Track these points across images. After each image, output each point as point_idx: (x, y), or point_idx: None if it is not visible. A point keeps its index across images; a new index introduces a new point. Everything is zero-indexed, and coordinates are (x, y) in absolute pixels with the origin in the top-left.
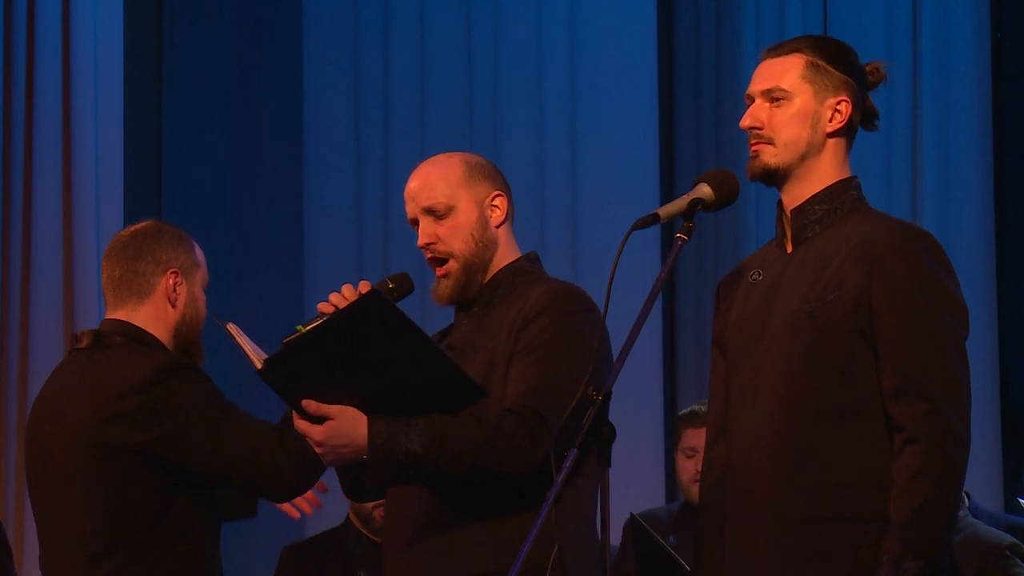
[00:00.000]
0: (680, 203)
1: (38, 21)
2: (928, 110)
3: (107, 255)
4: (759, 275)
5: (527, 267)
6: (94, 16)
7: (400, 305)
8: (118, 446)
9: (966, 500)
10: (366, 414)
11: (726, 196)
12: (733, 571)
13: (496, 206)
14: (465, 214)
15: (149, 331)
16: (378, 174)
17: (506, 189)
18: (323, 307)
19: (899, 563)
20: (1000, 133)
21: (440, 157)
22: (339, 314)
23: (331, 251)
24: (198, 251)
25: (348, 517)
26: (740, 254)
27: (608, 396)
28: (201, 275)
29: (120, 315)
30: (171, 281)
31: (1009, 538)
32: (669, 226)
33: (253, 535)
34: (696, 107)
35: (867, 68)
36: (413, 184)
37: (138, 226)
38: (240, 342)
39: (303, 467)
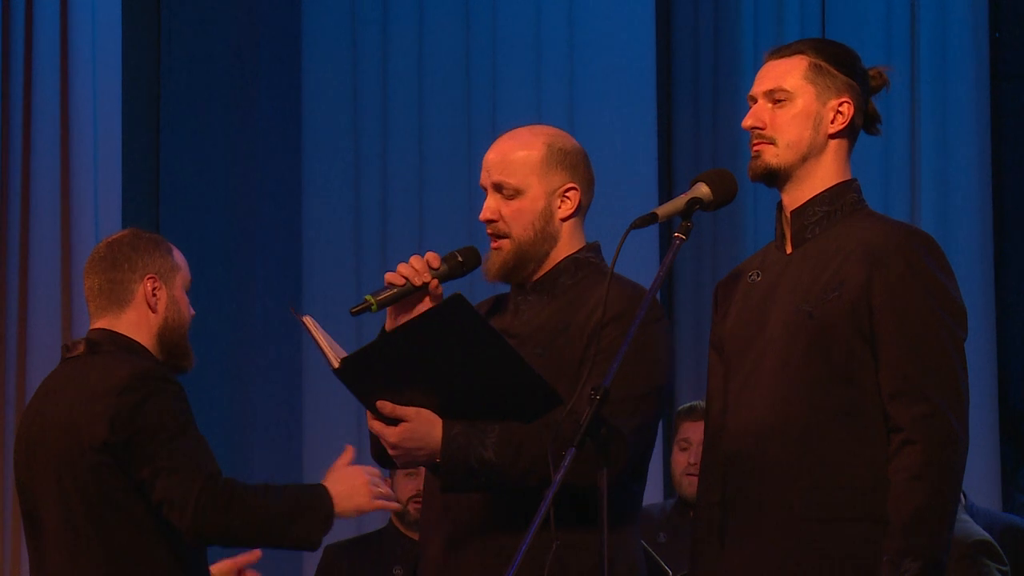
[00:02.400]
0: (678, 202)
1: (36, 23)
2: (926, 110)
3: (87, 267)
4: (758, 276)
5: (590, 259)
6: (93, 17)
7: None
8: (89, 446)
9: (963, 499)
10: (440, 416)
11: (724, 196)
12: (731, 573)
13: (567, 198)
14: (531, 201)
15: (133, 337)
16: (376, 173)
17: (582, 182)
18: (391, 277)
19: (899, 564)
20: (998, 134)
21: (525, 134)
22: (421, 317)
23: (329, 250)
24: (176, 254)
25: (391, 519)
26: (738, 253)
27: (607, 396)
28: (181, 278)
29: (103, 323)
30: (149, 286)
31: (976, 537)
32: (667, 225)
33: None
34: (695, 107)
35: (870, 72)
36: (491, 155)
37: (114, 236)
38: (316, 337)
39: (220, 515)
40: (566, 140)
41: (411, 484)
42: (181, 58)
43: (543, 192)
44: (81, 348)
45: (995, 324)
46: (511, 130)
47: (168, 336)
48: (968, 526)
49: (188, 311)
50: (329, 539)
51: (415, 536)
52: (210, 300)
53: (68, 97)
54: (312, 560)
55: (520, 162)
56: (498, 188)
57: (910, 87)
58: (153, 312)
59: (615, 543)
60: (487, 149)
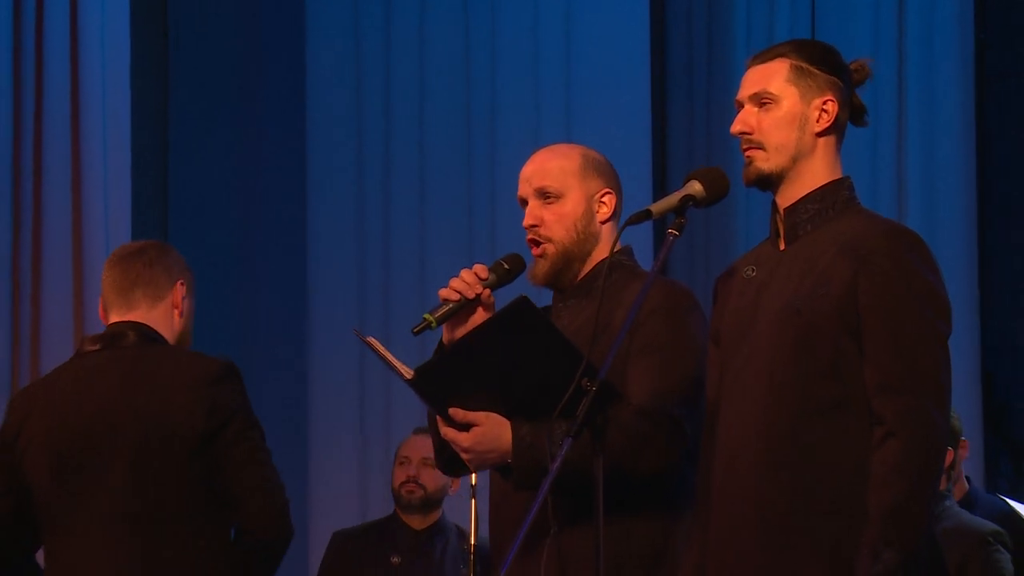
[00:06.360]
0: (672, 199)
1: (46, 26)
2: (913, 109)
3: (115, 262)
4: (753, 271)
5: (624, 261)
6: (102, 19)
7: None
8: (181, 435)
9: (966, 485)
10: (508, 418)
11: (716, 193)
12: (718, 561)
13: (604, 203)
14: (572, 204)
15: (161, 332)
16: (379, 172)
17: (617, 188)
18: (445, 293)
19: (878, 554)
20: (983, 133)
21: (561, 146)
22: (491, 321)
23: (333, 248)
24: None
25: (395, 510)
26: (730, 249)
27: (602, 386)
28: (194, 296)
29: (133, 316)
30: (180, 291)
31: (991, 526)
32: (661, 222)
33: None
34: (689, 107)
35: (852, 66)
36: (529, 167)
37: (147, 241)
38: (384, 354)
39: (289, 527)
40: (597, 153)
41: (402, 472)
42: (187, 60)
43: (583, 196)
44: (104, 341)
45: (979, 321)
46: (543, 147)
47: (181, 341)
48: (975, 518)
49: (192, 325)
50: (336, 526)
51: (414, 521)
52: (217, 298)
53: (79, 99)
54: (319, 548)
55: (559, 169)
56: (541, 194)
57: (897, 86)
58: (180, 315)
59: (672, 529)
60: (484, 148)
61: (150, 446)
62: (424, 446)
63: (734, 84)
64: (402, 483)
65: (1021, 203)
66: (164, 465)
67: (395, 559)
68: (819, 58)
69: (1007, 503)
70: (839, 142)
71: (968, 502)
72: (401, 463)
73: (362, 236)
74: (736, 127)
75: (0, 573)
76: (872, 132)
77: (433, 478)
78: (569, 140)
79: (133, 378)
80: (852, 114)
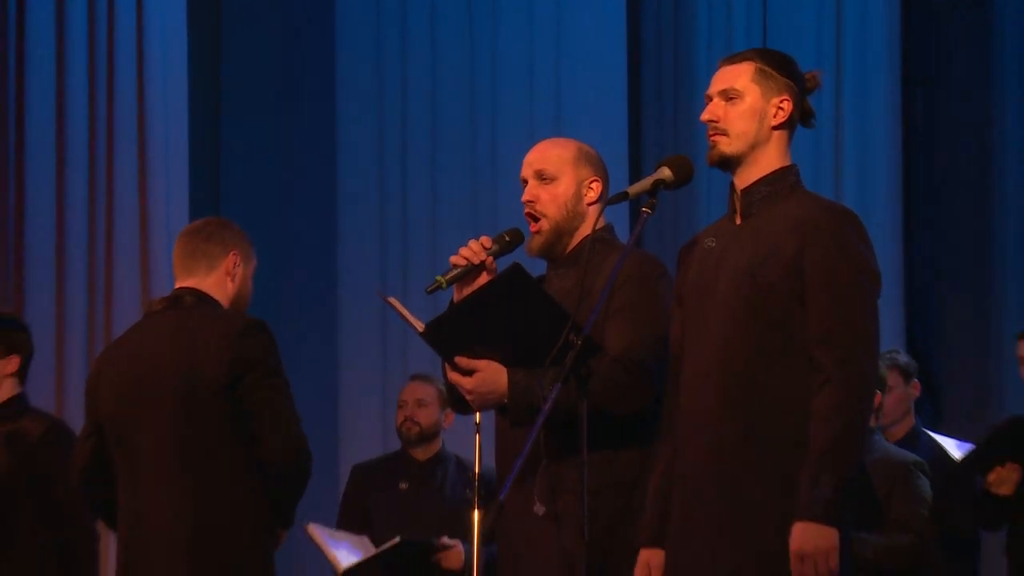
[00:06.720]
0: (645, 183)
1: (116, 37)
2: (848, 108)
3: (181, 236)
4: (713, 242)
5: (605, 236)
6: (162, 31)
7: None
8: (208, 384)
9: (913, 419)
10: (505, 366)
11: (683, 177)
12: (682, 486)
13: (592, 188)
14: (565, 186)
15: (215, 297)
16: (397, 160)
17: (604, 177)
18: (455, 259)
19: (817, 480)
20: (908, 129)
21: (560, 139)
22: (489, 284)
23: (360, 221)
24: (252, 248)
25: (402, 445)
26: (694, 224)
27: (586, 341)
28: (253, 264)
29: (191, 283)
30: (232, 261)
31: (913, 457)
32: (636, 202)
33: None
34: (659, 105)
35: (806, 76)
36: (532, 153)
37: (209, 218)
38: (401, 311)
39: (308, 471)
40: (589, 147)
41: (400, 413)
42: (238, 65)
43: (574, 181)
44: (166, 303)
45: (903, 287)
46: (546, 139)
47: (237, 304)
48: (900, 450)
49: (251, 290)
50: (356, 459)
51: (418, 454)
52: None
53: (144, 98)
54: (342, 483)
55: (557, 156)
56: (539, 176)
57: (835, 88)
58: (232, 281)
59: (646, 460)
60: (487, 138)
61: (187, 392)
62: (419, 390)
63: (697, 86)
64: (401, 422)
65: (940, 188)
66: (200, 409)
67: (403, 485)
68: (779, 65)
69: (932, 437)
70: (790, 136)
71: (913, 435)
72: (400, 406)
73: (383, 212)
74: (705, 116)
75: (99, 512)
76: (815, 127)
77: (426, 416)
78: (558, 130)
79: (179, 334)
80: (802, 116)
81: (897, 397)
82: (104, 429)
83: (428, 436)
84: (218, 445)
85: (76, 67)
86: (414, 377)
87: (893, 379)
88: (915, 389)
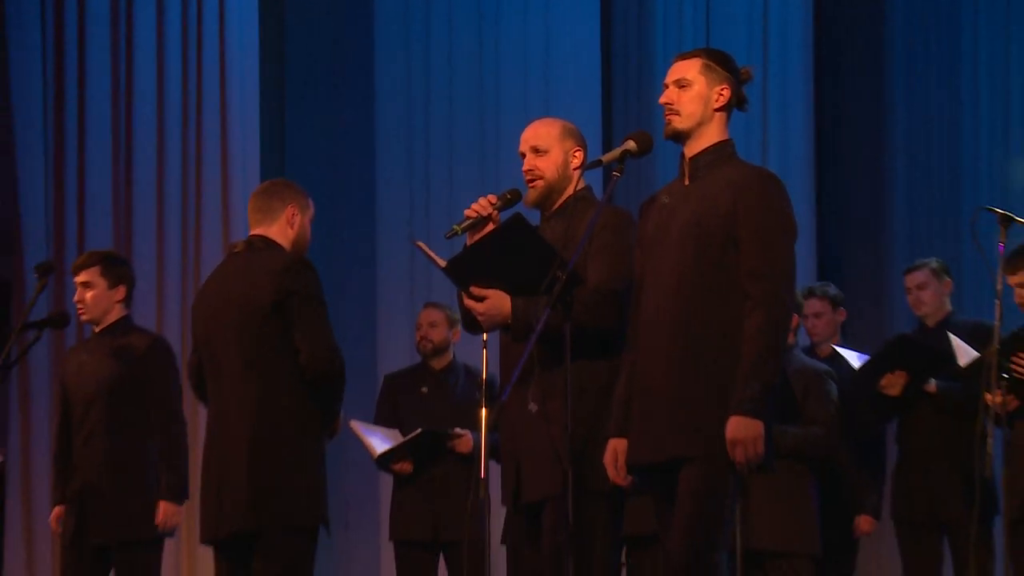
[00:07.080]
0: (615, 153)
1: (204, 29)
2: (773, 93)
3: (254, 194)
4: (667, 199)
5: (586, 195)
6: (239, 29)
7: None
8: (260, 309)
9: (839, 339)
10: (509, 295)
11: (645, 148)
12: (640, 393)
13: (575, 157)
14: (555, 156)
15: (278, 242)
16: (422, 135)
17: (584, 147)
18: (468, 212)
19: (747, 385)
20: (820, 108)
21: (548, 119)
22: (495, 230)
23: (393, 181)
24: (310, 200)
25: (422, 358)
26: (652, 185)
27: (570, 275)
28: (310, 213)
29: (259, 231)
30: (291, 211)
31: (823, 367)
32: (608, 167)
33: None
34: (625, 91)
35: (741, 70)
36: (528, 131)
37: (276, 179)
38: (427, 252)
39: (341, 375)
40: (571, 123)
41: (418, 334)
42: (298, 52)
43: (561, 151)
44: (243, 246)
45: (815, 232)
46: (536, 119)
47: (297, 247)
48: (813, 361)
49: (309, 237)
50: (386, 369)
51: (434, 364)
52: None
53: (225, 86)
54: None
55: (547, 133)
56: (534, 150)
57: (762, 78)
58: (291, 229)
59: (616, 368)
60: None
61: (247, 316)
62: (431, 314)
63: (655, 76)
64: (419, 340)
65: (846, 158)
66: (256, 329)
67: (424, 389)
68: (721, 61)
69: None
70: (728, 117)
71: (835, 353)
72: (417, 328)
73: (411, 173)
74: (663, 99)
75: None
76: (748, 110)
77: (437, 334)
78: (547, 111)
79: (243, 270)
80: (738, 101)
81: (826, 321)
82: (199, 347)
83: (440, 350)
84: (272, 359)
85: (172, 57)
86: (426, 305)
87: (823, 306)
88: (841, 315)
